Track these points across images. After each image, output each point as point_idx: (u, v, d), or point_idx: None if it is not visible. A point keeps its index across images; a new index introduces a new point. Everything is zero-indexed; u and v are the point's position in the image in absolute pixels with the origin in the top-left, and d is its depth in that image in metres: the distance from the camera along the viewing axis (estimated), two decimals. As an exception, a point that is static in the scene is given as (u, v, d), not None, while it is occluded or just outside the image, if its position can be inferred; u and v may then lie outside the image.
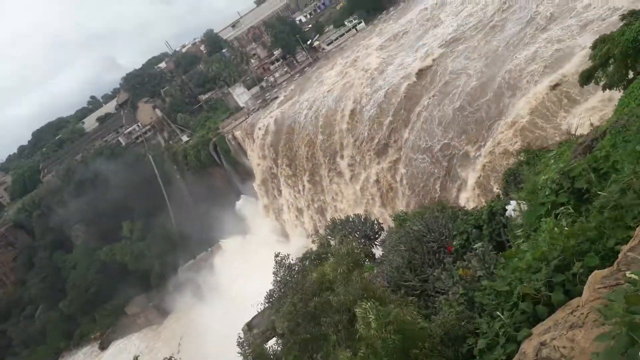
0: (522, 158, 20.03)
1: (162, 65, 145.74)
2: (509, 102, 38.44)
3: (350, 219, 26.56)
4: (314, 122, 66.93)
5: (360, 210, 53.75)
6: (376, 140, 54.78)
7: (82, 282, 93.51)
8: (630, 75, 18.86)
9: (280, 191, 78.04)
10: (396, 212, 29.75)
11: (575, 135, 20.39)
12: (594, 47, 20.73)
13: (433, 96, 48.59)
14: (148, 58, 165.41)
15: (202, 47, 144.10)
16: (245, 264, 72.56)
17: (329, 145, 63.85)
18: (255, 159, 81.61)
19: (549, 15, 47.12)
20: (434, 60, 55.34)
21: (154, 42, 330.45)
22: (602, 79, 19.89)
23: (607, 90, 20.39)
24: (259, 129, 79.56)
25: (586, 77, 20.81)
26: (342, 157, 61.99)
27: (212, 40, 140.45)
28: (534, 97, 36.06)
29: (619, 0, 37.45)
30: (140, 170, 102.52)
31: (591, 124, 19.78)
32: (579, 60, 34.21)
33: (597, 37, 21.26)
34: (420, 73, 54.55)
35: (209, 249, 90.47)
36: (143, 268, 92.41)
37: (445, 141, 43.02)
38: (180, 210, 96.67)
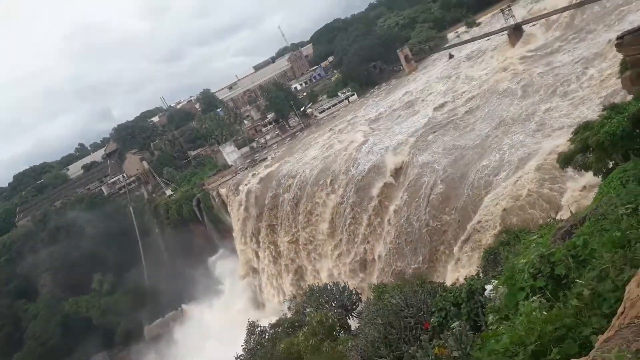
0: (502, 238, 20.12)
1: (155, 119, 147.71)
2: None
3: (329, 287, 26.02)
4: (299, 187, 67.20)
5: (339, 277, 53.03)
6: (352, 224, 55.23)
7: (42, 334, 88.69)
8: (610, 164, 19.35)
9: (259, 253, 76.92)
10: (375, 284, 29.30)
11: (555, 219, 20.66)
12: (576, 132, 21.45)
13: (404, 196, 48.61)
14: (142, 111, 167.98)
15: (197, 105, 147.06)
16: (211, 331, 69.92)
17: (310, 212, 63.86)
18: (236, 218, 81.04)
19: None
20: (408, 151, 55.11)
21: (149, 96, 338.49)
22: (582, 163, 20.40)
23: (588, 176, 20.92)
24: (244, 188, 79.75)
25: (566, 161, 21.38)
26: (320, 227, 61.88)
27: (208, 99, 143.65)
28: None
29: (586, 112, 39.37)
30: (119, 222, 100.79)
31: (570, 211, 20.13)
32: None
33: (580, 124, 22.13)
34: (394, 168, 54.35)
35: (179, 308, 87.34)
36: (109, 323, 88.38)
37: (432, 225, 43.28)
38: (155, 265, 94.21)
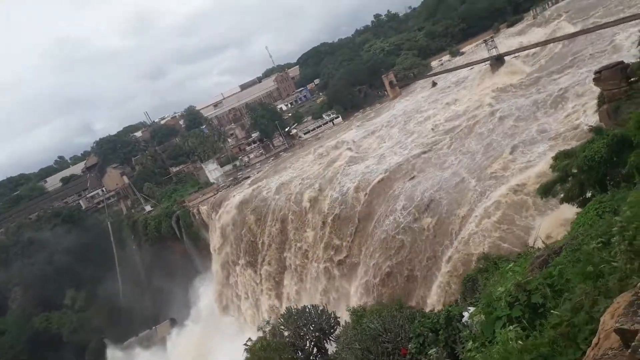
0: (481, 265, 20.25)
1: (138, 134, 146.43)
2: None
3: (307, 310, 25.69)
4: (280, 208, 66.74)
5: (317, 299, 52.53)
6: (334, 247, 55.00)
7: (9, 351, 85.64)
8: (588, 194, 19.72)
9: (238, 274, 75.89)
10: (354, 307, 29.05)
11: (533, 247, 20.87)
12: (555, 158, 21.89)
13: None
14: (125, 126, 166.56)
15: (181, 122, 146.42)
16: (185, 354, 68.30)
17: (292, 234, 63.49)
18: (216, 237, 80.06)
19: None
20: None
21: (133, 111, 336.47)
22: (561, 193, 20.76)
23: (567, 205, 21.23)
24: (225, 207, 79.03)
25: (545, 190, 21.76)
26: (301, 249, 61.53)
27: (192, 116, 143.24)
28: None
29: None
30: (96, 237, 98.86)
31: (544, 243, 20.37)
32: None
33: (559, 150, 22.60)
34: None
35: (154, 327, 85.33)
36: (80, 341, 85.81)
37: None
38: (131, 282, 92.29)
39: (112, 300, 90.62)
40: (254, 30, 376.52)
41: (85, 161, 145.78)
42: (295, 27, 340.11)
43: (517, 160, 42.52)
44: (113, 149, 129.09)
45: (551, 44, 76.16)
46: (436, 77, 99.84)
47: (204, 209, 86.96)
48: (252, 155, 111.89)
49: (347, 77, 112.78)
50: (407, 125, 74.61)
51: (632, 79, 27.28)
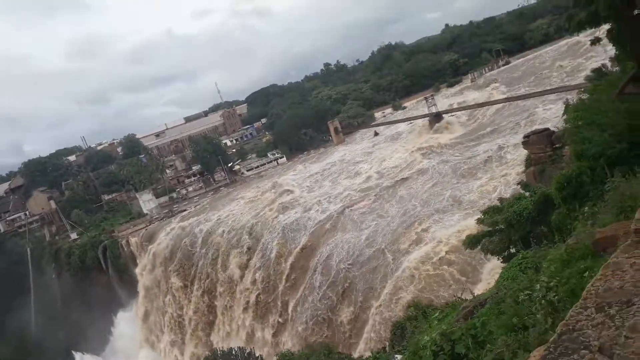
0: (410, 313, 20.45)
1: (72, 158, 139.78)
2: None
3: (233, 352, 24.82)
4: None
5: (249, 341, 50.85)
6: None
7: None
8: (512, 249, 20.58)
9: (164, 311, 72.19)
10: (282, 352, 28.32)
11: (461, 298, 21.35)
12: (485, 213, 22.85)
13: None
14: (59, 149, 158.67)
15: (119, 149, 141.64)
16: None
17: (223, 271, 61.66)
18: (143, 272, 76.32)
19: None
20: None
21: (70, 135, 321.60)
22: (487, 247, 21.59)
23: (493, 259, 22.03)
24: (155, 240, 76.02)
25: (473, 243, 22.55)
26: (232, 289, 59.60)
27: (132, 144, 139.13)
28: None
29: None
30: (12, 263, 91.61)
31: (472, 294, 20.94)
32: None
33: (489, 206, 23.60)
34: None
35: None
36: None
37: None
38: (46, 313, 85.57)
39: (23, 332, 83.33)
40: (205, 65, 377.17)
41: (9, 182, 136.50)
42: (245, 67, 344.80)
43: (431, 229, 41.81)
44: (42, 172, 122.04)
45: (484, 107, 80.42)
46: (378, 127, 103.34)
47: (133, 240, 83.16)
48: (190, 188, 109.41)
49: (294, 119, 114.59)
50: (339, 177, 74.46)
51: (556, 145, 29.39)
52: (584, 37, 61.82)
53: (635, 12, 14.82)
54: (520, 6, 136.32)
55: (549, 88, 73.10)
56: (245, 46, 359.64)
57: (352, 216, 53.36)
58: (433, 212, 45.11)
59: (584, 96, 21.03)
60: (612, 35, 16.66)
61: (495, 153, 53.85)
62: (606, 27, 16.82)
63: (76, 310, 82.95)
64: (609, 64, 33.65)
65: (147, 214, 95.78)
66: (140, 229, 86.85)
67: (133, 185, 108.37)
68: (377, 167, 71.60)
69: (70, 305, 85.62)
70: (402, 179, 59.44)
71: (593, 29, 18.84)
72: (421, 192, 52.65)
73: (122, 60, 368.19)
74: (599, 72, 34.12)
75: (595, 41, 20.51)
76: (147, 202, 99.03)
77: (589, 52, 77.82)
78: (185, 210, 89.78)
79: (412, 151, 71.83)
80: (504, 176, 46.39)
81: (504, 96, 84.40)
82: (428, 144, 72.83)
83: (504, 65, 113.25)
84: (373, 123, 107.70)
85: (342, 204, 58.60)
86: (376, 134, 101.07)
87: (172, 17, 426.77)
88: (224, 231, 66.46)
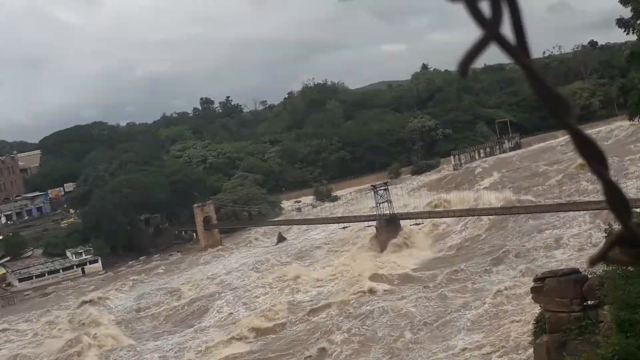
0: None
1: None
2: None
3: None
4: None
5: None
6: None
7: None
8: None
9: None
10: None
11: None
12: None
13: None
14: None
15: None
16: None
17: None
18: None
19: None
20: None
21: None
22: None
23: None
24: None
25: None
26: None
27: None
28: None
29: None
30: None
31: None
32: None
33: None
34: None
35: None
36: None
37: None
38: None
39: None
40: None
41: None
42: (43, 86, 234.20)
43: None
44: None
45: (472, 216, 57.32)
46: (287, 226, 69.46)
47: None
48: None
49: (130, 192, 73.91)
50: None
51: (588, 301, 20.61)
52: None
53: None
54: (546, 54, 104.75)
55: (579, 200, 52.84)
56: (45, 52, 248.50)
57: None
58: None
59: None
60: None
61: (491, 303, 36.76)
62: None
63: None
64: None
65: None
66: None
67: None
68: (261, 322, 43.98)
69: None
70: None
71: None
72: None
73: None
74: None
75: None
76: None
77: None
78: None
79: (345, 289, 46.79)
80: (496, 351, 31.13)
81: (502, 203, 58.54)
82: (373, 271, 49.36)
83: (511, 148, 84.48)
84: (278, 218, 73.99)
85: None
86: (282, 238, 68.81)
87: None
88: None
